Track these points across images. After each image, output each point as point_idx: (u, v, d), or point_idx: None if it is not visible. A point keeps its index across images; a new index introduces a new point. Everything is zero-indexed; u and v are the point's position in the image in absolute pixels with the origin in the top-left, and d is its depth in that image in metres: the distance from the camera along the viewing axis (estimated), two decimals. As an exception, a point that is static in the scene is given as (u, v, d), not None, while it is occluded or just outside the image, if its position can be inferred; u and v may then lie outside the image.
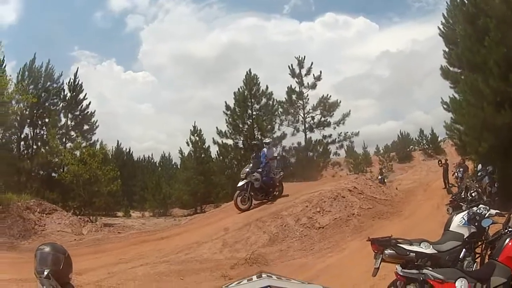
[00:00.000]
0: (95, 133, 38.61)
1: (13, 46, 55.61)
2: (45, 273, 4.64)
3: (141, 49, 65.55)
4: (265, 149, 22.78)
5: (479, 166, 21.12)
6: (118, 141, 48.30)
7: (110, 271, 14.43)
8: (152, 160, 53.92)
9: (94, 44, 67.91)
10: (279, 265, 14.59)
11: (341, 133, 40.79)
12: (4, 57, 33.46)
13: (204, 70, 60.42)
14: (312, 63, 41.37)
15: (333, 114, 40.76)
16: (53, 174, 35.68)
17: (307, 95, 41.35)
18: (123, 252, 17.72)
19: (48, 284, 4.54)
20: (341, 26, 60.70)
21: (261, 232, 17.59)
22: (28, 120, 36.27)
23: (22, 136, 36.39)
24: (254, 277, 3.53)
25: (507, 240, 7.30)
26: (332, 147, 41.27)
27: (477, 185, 18.99)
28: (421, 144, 59.13)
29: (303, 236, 17.16)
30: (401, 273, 6.99)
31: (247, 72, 41.56)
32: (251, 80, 40.88)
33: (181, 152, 42.42)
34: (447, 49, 27.39)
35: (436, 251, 8.04)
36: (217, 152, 40.33)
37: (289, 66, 41.54)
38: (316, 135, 41.14)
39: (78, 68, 42.35)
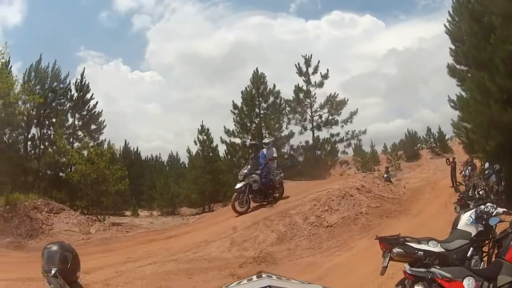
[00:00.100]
0: (102, 133, 38.92)
1: (20, 47, 56.25)
2: (53, 271, 4.66)
3: (148, 48, 66.12)
4: (264, 150, 22.29)
5: (486, 164, 21.07)
6: (125, 141, 48.71)
7: (118, 269, 14.43)
8: (160, 159, 54.41)
9: (101, 44, 68.39)
10: (287, 264, 14.58)
11: (348, 131, 41.01)
12: (10, 58, 33.53)
13: (211, 69, 60.75)
14: (319, 62, 41.64)
15: (340, 112, 40.97)
16: (61, 174, 35.80)
17: (315, 94, 41.58)
18: (131, 251, 17.74)
19: (56, 282, 4.56)
20: (347, 24, 61.04)
21: (269, 230, 17.58)
22: (35, 120, 36.49)
23: (29, 136, 36.62)
24: (254, 277, 3.54)
25: (514, 239, 7.32)
26: (340, 145, 41.52)
27: (484, 184, 18.93)
28: (429, 142, 59.31)
29: (311, 235, 17.13)
30: (409, 272, 7.00)
31: (254, 71, 41.80)
32: (258, 79, 40.99)
33: (189, 151, 42.72)
34: (453, 47, 27.33)
35: (444, 250, 8.04)
36: (225, 151, 40.60)
37: (296, 65, 41.75)
38: (323, 134, 41.38)
39: (84, 68, 42.73)
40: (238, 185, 20.92)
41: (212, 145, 41.07)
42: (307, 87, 41.51)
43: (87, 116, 38.75)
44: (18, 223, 20.81)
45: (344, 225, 17.62)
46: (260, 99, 41.07)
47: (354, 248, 15.40)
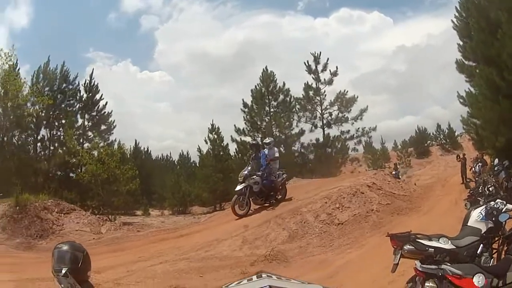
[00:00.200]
0: (112, 133, 39.09)
1: (27, 49, 56.73)
2: (63, 271, 4.66)
3: (157, 49, 66.54)
4: (265, 150, 21.79)
5: (496, 161, 21.04)
6: (136, 141, 48.71)
7: (129, 269, 14.47)
8: (171, 159, 54.40)
9: (109, 46, 68.90)
10: (298, 262, 14.61)
11: (359, 128, 41.11)
12: (17, 60, 33.77)
13: (220, 68, 60.98)
14: (328, 59, 41.79)
15: (350, 109, 41.14)
16: (71, 175, 36.00)
17: (324, 91, 41.77)
18: (142, 250, 17.76)
19: (66, 282, 4.57)
20: (355, 21, 61.13)
21: (281, 228, 17.58)
22: (45, 122, 36.67)
23: (39, 137, 36.81)
24: (254, 277, 3.55)
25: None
26: (350, 143, 41.73)
27: (494, 180, 18.90)
28: (439, 139, 59.18)
29: (323, 233, 17.11)
30: (420, 269, 7.01)
31: (263, 69, 42.06)
32: (267, 77, 41.19)
33: (199, 150, 42.75)
34: (461, 43, 27.26)
35: (454, 247, 8.02)
36: (236, 149, 40.84)
37: (305, 63, 41.95)
38: (334, 131, 41.60)
39: (93, 69, 42.76)
40: (238, 187, 20.58)
41: (222, 144, 41.13)
42: (316, 84, 41.67)
43: (97, 117, 38.94)
44: (28, 224, 20.84)
45: (355, 222, 17.59)
46: (270, 97, 41.26)
47: (365, 245, 15.40)
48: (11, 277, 13.38)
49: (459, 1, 28.15)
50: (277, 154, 21.89)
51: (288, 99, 41.53)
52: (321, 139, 41.32)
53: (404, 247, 7.66)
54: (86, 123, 38.65)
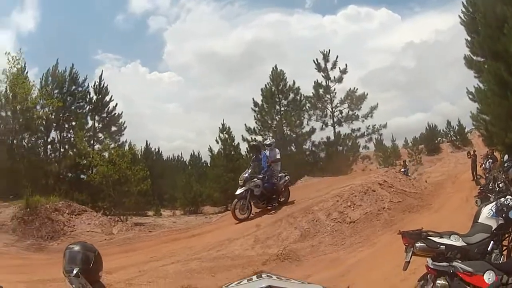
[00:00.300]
0: (123, 134, 39.23)
1: (35, 53, 56.80)
2: (75, 271, 4.69)
3: (166, 49, 66.58)
4: (266, 151, 21.21)
5: (506, 157, 20.93)
6: (147, 141, 48.82)
7: (141, 269, 14.50)
8: (182, 159, 54.50)
9: (118, 47, 69.12)
10: (310, 261, 14.61)
11: (369, 126, 41.04)
12: (25, 63, 33.98)
13: (229, 67, 61.06)
14: (337, 57, 41.73)
15: (360, 107, 41.10)
16: (82, 176, 36.03)
17: (334, 89, 41.77)
18: (154, 250, 17.77)
19: (77, 282, 4.59)
20: (363, 18, 61.17)
21: (293, 227, 17.56)
22: (55, 124, 36.82)
23: (49, 140, 36.94)
24: (254, 277, 3.55)
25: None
26: (361, 140, 41.72)
27: (504, 176, 18.81)
28: (449, 135, 58.97)
29: (334, 231, 17.08)
30: (431, 266, 7.03)
31: (273, 68, 42.21)
32: (277, 76, 41.28)
33: (210, 150, 42.84)
34: (469, 38, 27.23)
35: (465, 244, 7.98)
36: (247, 148, 40.51)
37: (314, 61, 41.79)
38: (344, 129, 41.53)
39: (102, 71, 43.13)
40: (239, 191, 20.07)
41: (233, 144, 41.17)
42: (326, 82, 41.68)
43: (107, 118, 39.10)
44: (38, 226, 20.88)
45: (367, 220, 17.56)
46: (280, 96, 41.33)
47: (377, 243, 15.38)
48: (22, 279, 13.37)
49: (465, -4, 28.15)
50: (278, 156, 21.34)
51: (298, 97, 41.62)
52: (332, 137, 41.40)
53: (416, 244, 7.60)
54: (96, 124, 38.90)
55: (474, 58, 26.27)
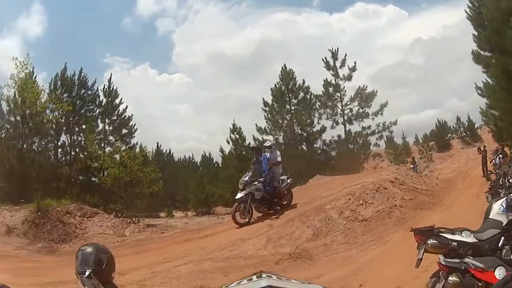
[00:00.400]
0: (134, 136, 38.99)
1: (43, 57, 56.86)
2: (87, 273, 4.73)
3: (174, 51, 66.37)
4: (267, 153, 20.86)
5: (515, 152, 20.89)
6: (158, 143, 48.70)
7: (153, 270, 14.55)
8: (193, 160, 54.31)
9: (126, 50, 68.85)
10: (323, 259, 14.68)
11: (379, 123, 40.69)
12: (33, 68, 34.05)
13: (238, 67, 60.83)
14: (346, 55, 41.48)
15: (370, 104, 40.76)
16: (93, 179, 36.09)
17: (344, 87, 41.43)
18: (167, 251, 17.81)
19: (90, 283, 4.62)
20: (371, 15, 60.71)
21: (305, 226, 17.63)
22: (65, 128, 36.74)
23: (59, 143, 36.93)
24: (254, 277, 3.54)
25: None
26: (371, 138, 41.28)
27: (513, 171, 18.77)
28: (459, 132, 58.70)
29: (347, 230, 17.14)
30: (443, 263, 7.08)
31: (282, 67, 41.96)
32: (287, 75, 41.16)
33: (222, 150, 42.82)
34: (476, 33, 27.12)
35: (476, 240, 7.97)
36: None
37: (323, 59, 41.57)
38: (355, 127, 41.17)
39: (111, 74, 42.75)
40: (239, 195, 19.80)
41: (244, 144, 40.83)
42: (335, 81, 41.43)
43: (117, 121, 39.03)
44: (50, 229, 20.97)
45: (379, 218, 17.60)
46: (290, 95, 41.17)
47: (389, 241, 15.41)
48: (32, 281, 13.48)
49: (471, -10, 28.03)
50: (279, 158, 20.98)
51: (308, 96, 41.37)
52: (343, 136, 41.12)
53: (428, 241, 7.66)
54: (106, 127, 38.80)
55: (482, 53, 26.16)
